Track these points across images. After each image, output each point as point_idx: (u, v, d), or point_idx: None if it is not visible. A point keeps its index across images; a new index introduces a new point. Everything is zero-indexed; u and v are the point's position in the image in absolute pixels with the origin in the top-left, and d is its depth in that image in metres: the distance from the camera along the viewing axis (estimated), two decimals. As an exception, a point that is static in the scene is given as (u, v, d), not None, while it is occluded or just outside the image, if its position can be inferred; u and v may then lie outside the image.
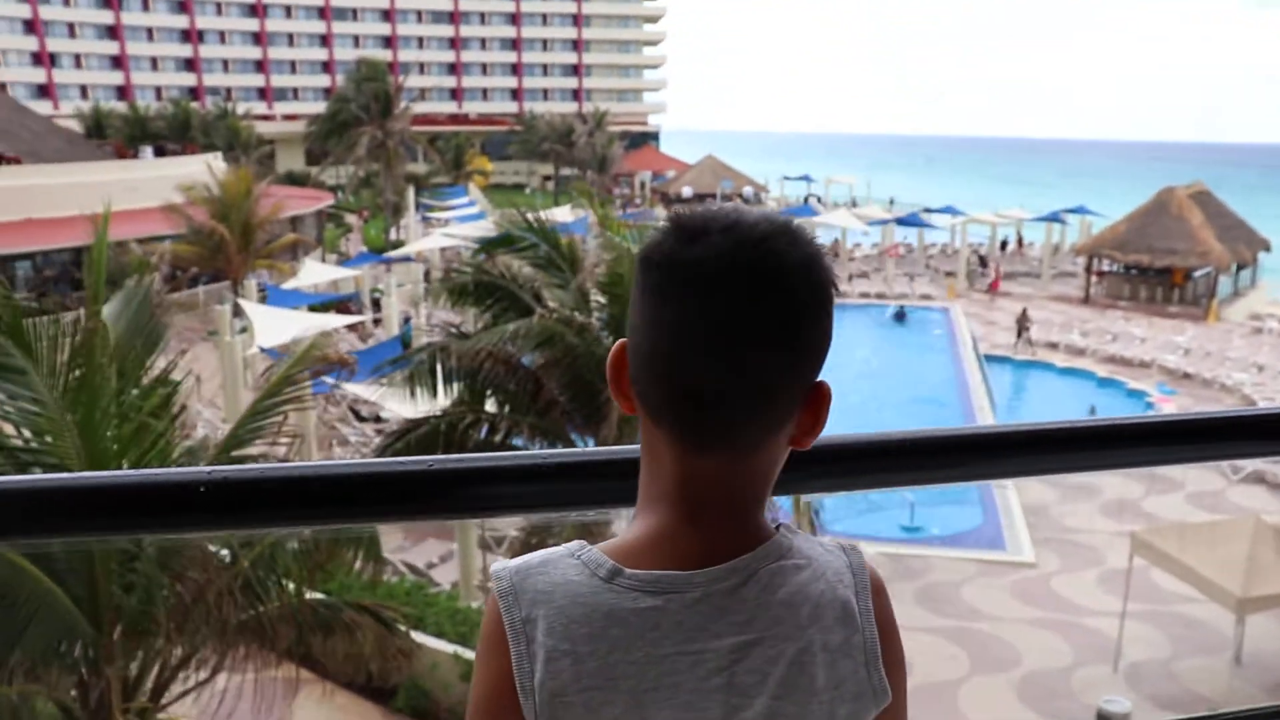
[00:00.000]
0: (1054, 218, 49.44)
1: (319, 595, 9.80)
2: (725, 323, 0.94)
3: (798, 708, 0.98)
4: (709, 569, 0.98)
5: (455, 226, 40.83)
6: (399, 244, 47.12)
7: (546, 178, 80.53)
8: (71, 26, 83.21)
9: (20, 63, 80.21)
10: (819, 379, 1.01)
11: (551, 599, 0.97)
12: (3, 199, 34.43)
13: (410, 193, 54.07)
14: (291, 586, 8.87)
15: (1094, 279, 41.84)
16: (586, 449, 1.36)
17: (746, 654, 0.97)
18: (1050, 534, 17.89)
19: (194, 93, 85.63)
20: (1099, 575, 16.19)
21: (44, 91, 79.80)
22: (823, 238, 44.97)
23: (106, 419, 8.23)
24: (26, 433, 8.08)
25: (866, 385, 26.51)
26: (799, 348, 0.97)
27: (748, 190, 64.99)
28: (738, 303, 0.94)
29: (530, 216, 13.36)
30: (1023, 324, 32.70)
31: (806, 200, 67.79)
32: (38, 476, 1.26)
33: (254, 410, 8.87)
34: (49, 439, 7.98)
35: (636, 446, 1.09)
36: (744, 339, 0.94)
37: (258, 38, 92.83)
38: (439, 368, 12.86)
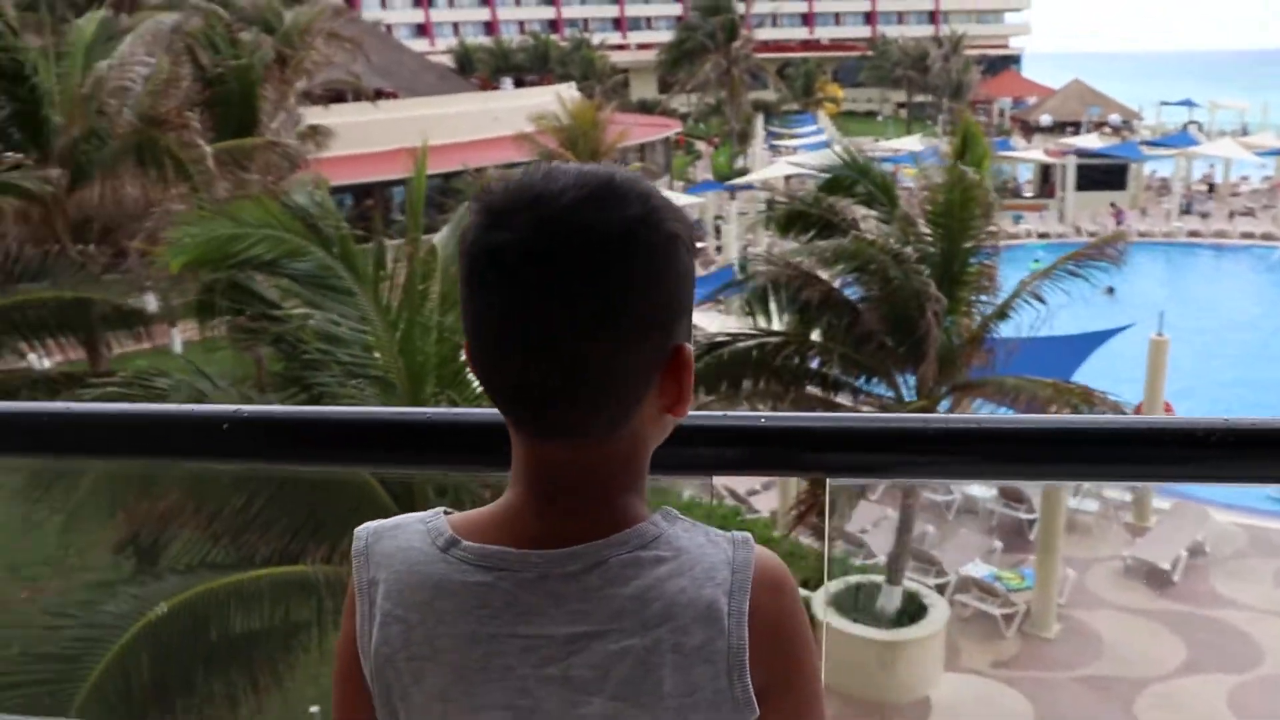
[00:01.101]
0: None
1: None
2: (534, 316, 0.87)
3: (641, 711, 0.90)
4: (548, 551, 0.92)
5: (801, 155, 40.35)
6: (744, 171, 47.20)
7: (900, 105, 77.72)
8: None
9: (403, 5, 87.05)
10: (678, 343, 0.93)
11: (393, 563, 0.96)
12: (383, 130, 37.42)
13: (759, 121, 53.94)
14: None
15: None
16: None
17: (585, 647, 0.90)
18: None
19: (553, 25, 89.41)
20: None
21: (422, 30, 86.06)
22: (1201, 169, 40.73)
23: (426, 336, 8.61)
24: (354, 349, 8.57)
25: (1248, 338, 23.79)
26: (627, 326, 0.89)
27: (1114, 118, 59.82)
28: (544, 293, 0.86)
29: (852, 150, 12.86)
30: None
31: (1185, 128, 61.44)
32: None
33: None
34: (376, 355, 8.48)
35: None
36: (557, 331, 0.86)
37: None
38: (769, 295, 12.76)
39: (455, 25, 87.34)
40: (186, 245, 8.67)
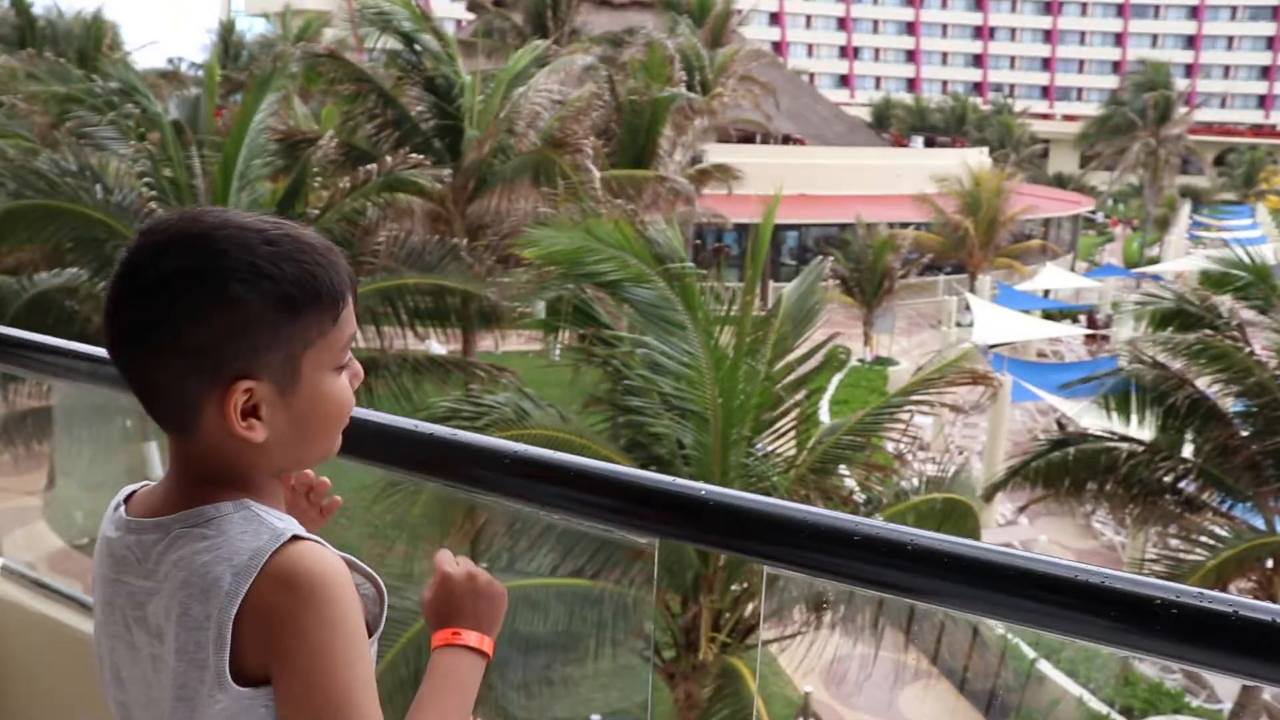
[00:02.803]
0: None
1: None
2: (105, 328, 1.09)
3: (170, 658, 1.04)
4: (144, 519, 1.11)
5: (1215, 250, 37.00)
6: (1155, 260, 43.89)
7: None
8: (875, 23, 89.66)
9: (829, 55, 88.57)
10: (236, 375, 1.06)
11: (107, 511, 1.17)
12: (785, 174, 38.28)
13: (1184, 208, 50.02)
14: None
15: None
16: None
17: (150, 599, 1.07)
18: None
19: (977, 88, 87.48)
20: None
21: (844, 81, 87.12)
22: None
23: (749, 380, 8.76)
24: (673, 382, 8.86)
25: None
26: (155, 351, 1.06)
27: None
28: (106, 311, 1.08)
29: (1249, 251, 11.71)
30: None
31: None
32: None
33: (878, 406, 8.86)
34: (693, 388, 8.71)
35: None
36: (111, 343, 1.08)
37: (1048, 35, 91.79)
38: (1132, 394, 11.92)
39: (877, 79, 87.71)
40: (541, 243, 9.35)
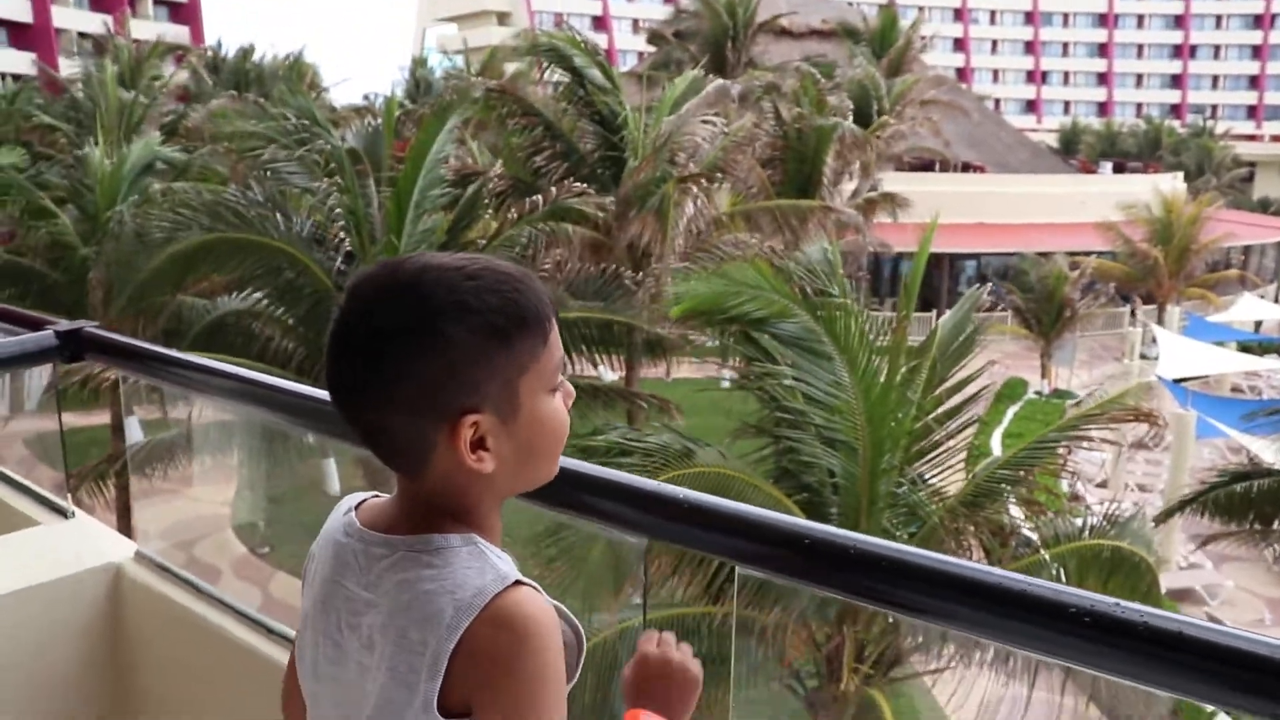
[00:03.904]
0: None
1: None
2: (328, 384, 1.15)
3: (381, 673, 1.11)
4: (377, 534, 1.16)
5: None
6: (1369, 291, 40.93)
7: None
8: (1065, 46, 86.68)
9: (1015, 80, 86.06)
10: (464, 411, 1.11)
11: (333, 514, 1.24)
12: (961, 202, 37.46)
13: None
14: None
15: None
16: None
17: (368, 610, 1.13)
18: None
19: (1175, 110, 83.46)
20: None
21: (1031, 107, 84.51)
22: None
23: (894, 411, 8.67)
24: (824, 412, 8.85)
25: None
26: (379, 403, 1.11)
27: None
28: (328, 368, 1.15)
29: None
30: None
31: None
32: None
33: (1034, 440, 8.64)
34: (839, 417, 8.69)
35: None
36: (335, 397, 1.15)
37: (1256, 51, 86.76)
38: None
39: (1066, 104, 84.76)
40: (685, 298, 9.56)
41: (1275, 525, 11.34)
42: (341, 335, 1.11)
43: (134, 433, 14.35)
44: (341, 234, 11.83)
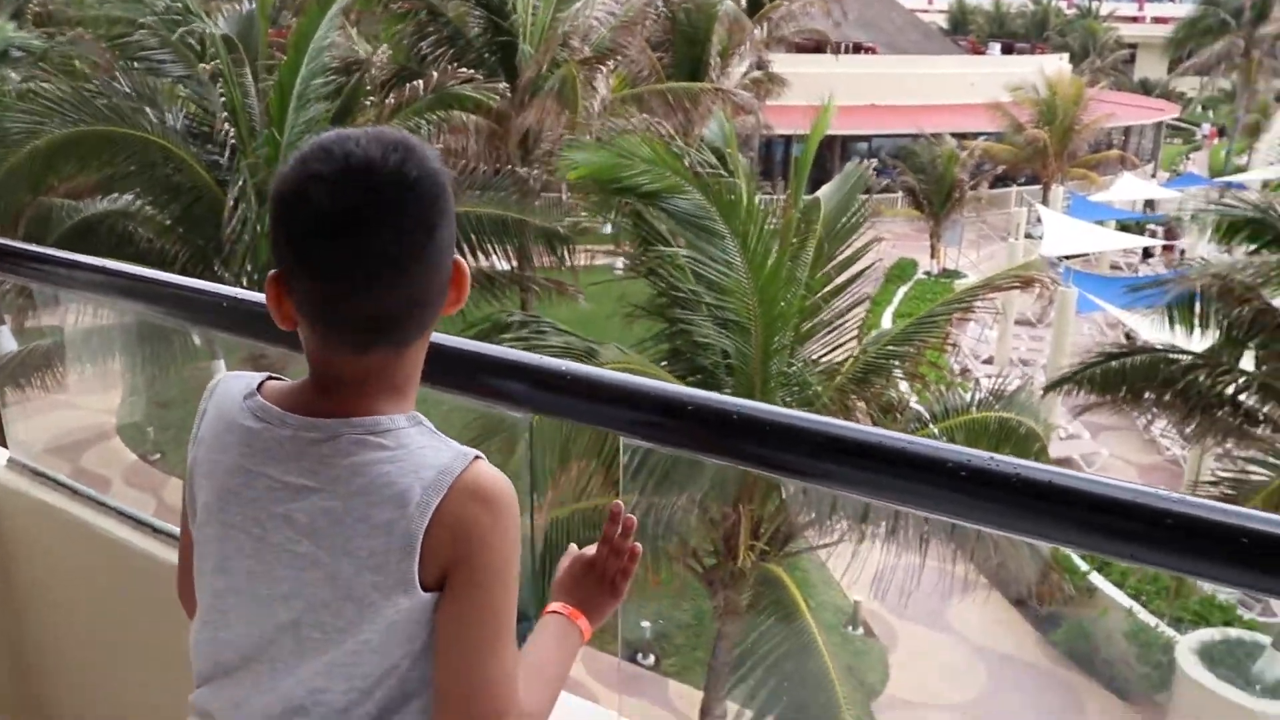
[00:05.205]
0: None
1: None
2: (353, 271, 1.10)
3: (331, 559, 1.09)
4: (302, 418, 1.13)
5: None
6: (1241, 169, 42.29)
7: None
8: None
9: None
10: (454, 265, 1.14)
11: (220, 400, 1.20)
12: (853, 84, 37.45)
13: (1279, 114, 47.88)
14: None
15: None
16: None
17: (305, 498, 1.10)
18: None
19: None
20: None
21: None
22: None
23: (785, 290, 8.74)
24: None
25: None
26: (410, 260, 1.09)
27: None
28: (339, 248, 1.09)
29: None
30: None
31: None
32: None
33: (923, 315, 8.80)
34: (732, 298, 8.73)
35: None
36: (369, 278, 1.10)
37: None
38: (1194, 305, 11.68)
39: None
40: (579, 164, 9.42)
41: (1145, 396, 11.81)
42: (354, 213, 1.06)
43: (5, 342, 13.78)
44: (221, 126, 11.31)
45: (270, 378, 1.21)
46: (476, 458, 1.11)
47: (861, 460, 1.16)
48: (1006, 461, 1.13)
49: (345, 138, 1.09)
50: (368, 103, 12.68)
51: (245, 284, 11.24)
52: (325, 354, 1.13)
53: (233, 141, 11.34)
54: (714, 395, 1.25)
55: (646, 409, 1.31)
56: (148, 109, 10.79)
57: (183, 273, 10.77)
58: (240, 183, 11.03)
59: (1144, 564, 1.11)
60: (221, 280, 11.00)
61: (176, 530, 2.12)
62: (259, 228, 11.11)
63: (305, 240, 1.07)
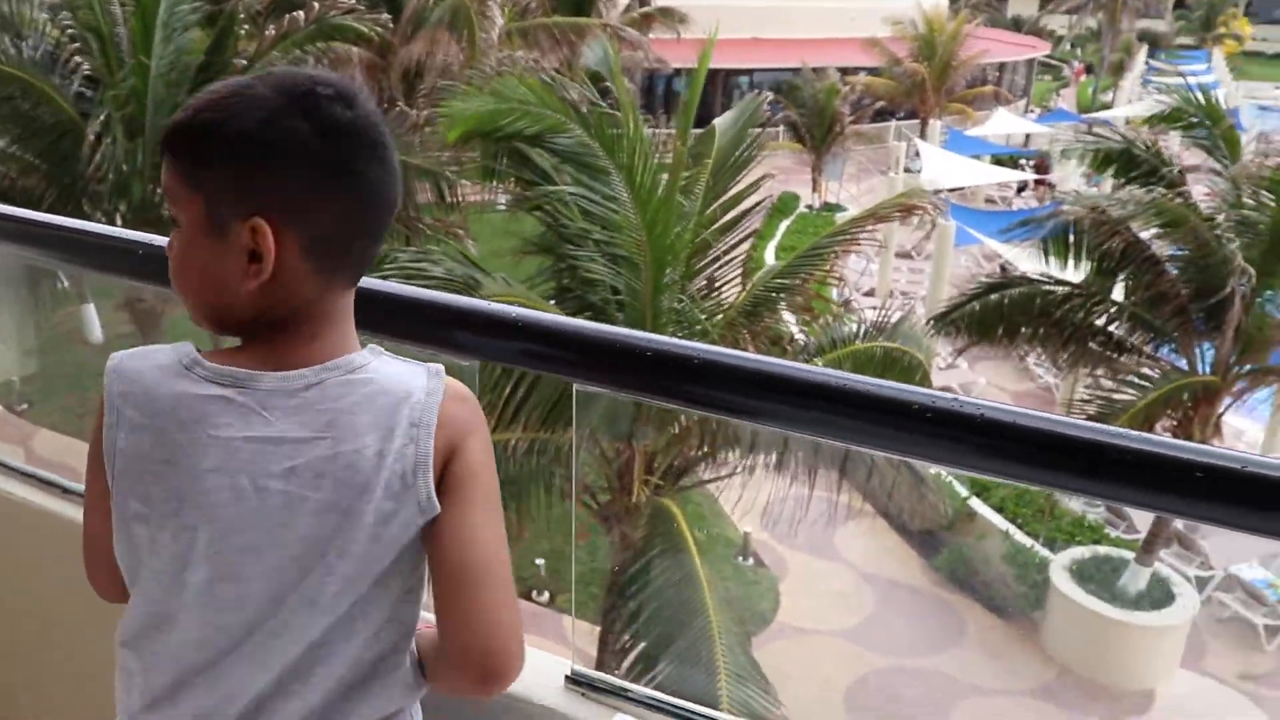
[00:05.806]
0: None
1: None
2: (384, 194, 1.16)
3: (350, 503, 1.08)
4: (274, 371, 1.10)
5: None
6: (1107, 106, 43.69)
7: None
8: None
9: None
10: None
11: (141, 379, 1.11)
12: (735, 17, 37.32)
13: (1141, 53, 49.51)
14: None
15: None
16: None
17: (307, 450, 1.07)
18: None
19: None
20: None
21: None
22: None
23: (674, 224, 8.71)
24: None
25: None
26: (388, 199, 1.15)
27: None
28: (386, 173, 1.15)
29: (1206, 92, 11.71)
30: None
31: None
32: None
33: (808, 247, 8.90)
34: (621, 233, 8.67)
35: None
36: (380, 210, 1.16)
37: None
38: (1069, 239, 12.06)
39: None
40: (459, 117, 9.22)
41: (1021, 331, 12.18)
42: (379, 125, 1.13)
43: (92, 327, 12.99)
44: (82, 56, 10.71)
45: (229, 349, 1.16)
46: (440, 370, 1.16)
47: (829, 404, 1.16)
48: (970, 403, 1.14)
49: (287, 71, 1.13)
50: (242, 32, 12.15)
51: (120, 224, 10.75)
52: (318, 294, 1.12)
53: (90, 73, 10.75)
54: (674, 340, 1.23)
55: (603, 355, 1.28)
56: (5, 37, 10.13)
57: (51, 212, 10.22)
58: (103, 116, 10.49)
59: (1105, 499, 1.13)
60: (91, 219, 10.50)
61: (57, 479, 2.02)
62: (126, 166, 10.62)
63: (346, 156, 1.08)
